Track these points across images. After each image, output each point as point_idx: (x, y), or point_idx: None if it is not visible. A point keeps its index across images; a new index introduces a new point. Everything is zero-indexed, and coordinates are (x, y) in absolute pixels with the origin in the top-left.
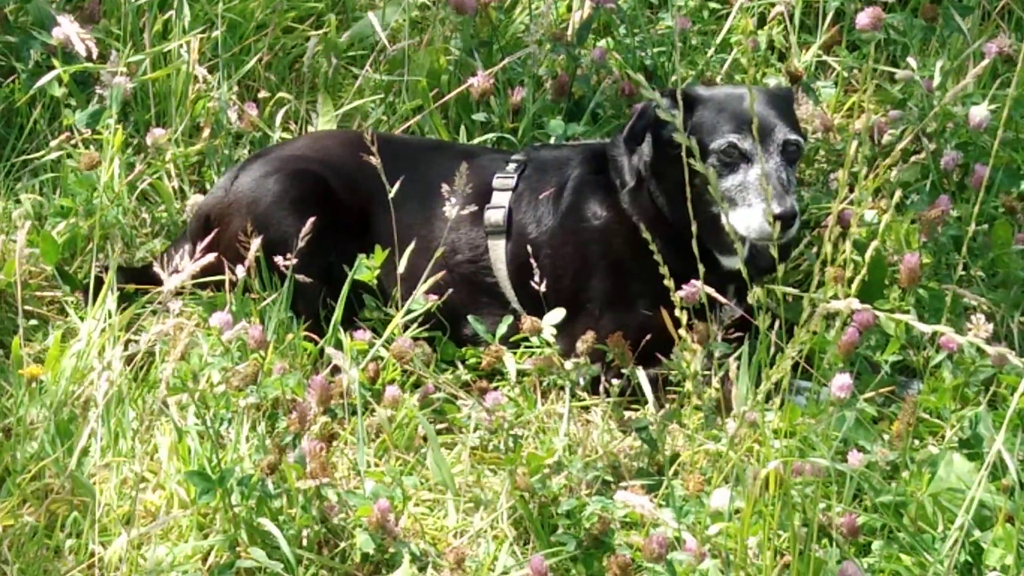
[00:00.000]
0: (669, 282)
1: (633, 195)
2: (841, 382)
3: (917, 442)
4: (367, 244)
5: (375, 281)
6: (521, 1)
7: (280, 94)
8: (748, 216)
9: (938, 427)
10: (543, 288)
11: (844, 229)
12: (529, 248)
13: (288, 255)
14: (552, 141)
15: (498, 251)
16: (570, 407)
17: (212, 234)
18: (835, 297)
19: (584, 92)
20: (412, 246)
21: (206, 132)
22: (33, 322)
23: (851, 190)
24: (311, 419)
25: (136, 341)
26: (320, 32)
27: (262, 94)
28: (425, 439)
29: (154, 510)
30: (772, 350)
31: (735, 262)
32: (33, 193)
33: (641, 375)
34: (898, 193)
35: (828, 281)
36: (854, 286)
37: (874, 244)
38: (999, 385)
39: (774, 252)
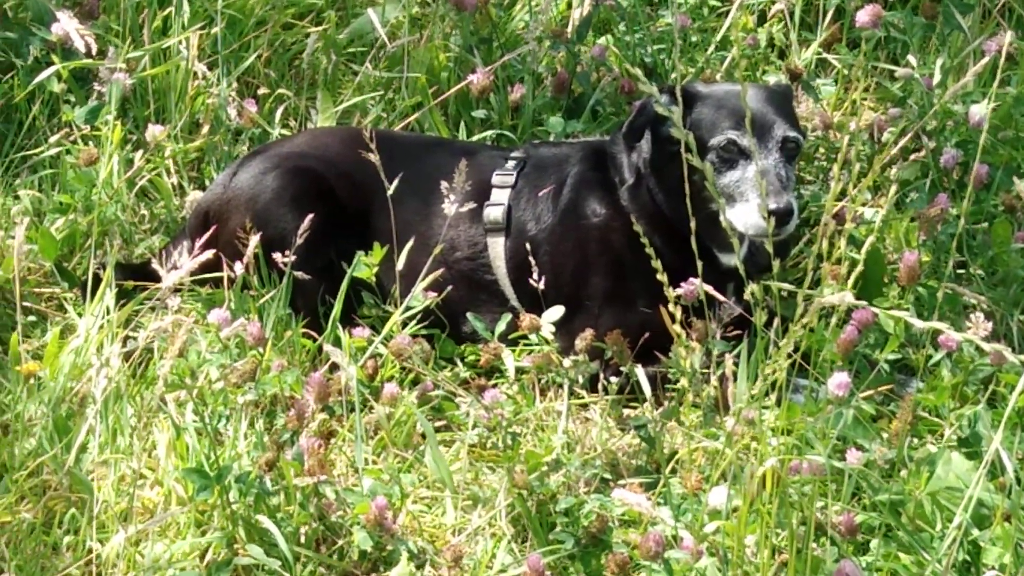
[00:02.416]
0: (662, 276)
1: (632, 192)
2: (839, 380)
3: (916, 440)
4: (366, 241)
5: (374, 278)
6: None
7: (279, 91)
8: (745, 212)
9: (937, 426)
10: (542, 285)
11: (840, 225)
12: (528, 245)
13: (287, 252)
14: (551, 138)
15: (497, 248)
16: (568, 405)
17: (211, 231)
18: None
19: (584, 89)
20: (411, 243)
21: (205, 128)
22: (31, 318)
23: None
24: (309, 416)
25: (134, 338)
26: (320, 29)
27: (261, 91)
28: (423, 436)
29: (152, 507)
30: (770, 347)
31: (734, 259)
32: (32, 189)
33: (640, 373)
34: (893, 188)
35: (824, 277)
36: (850, 281)
37: (870, 240)
38: (998, 384)
39: (770, 248)
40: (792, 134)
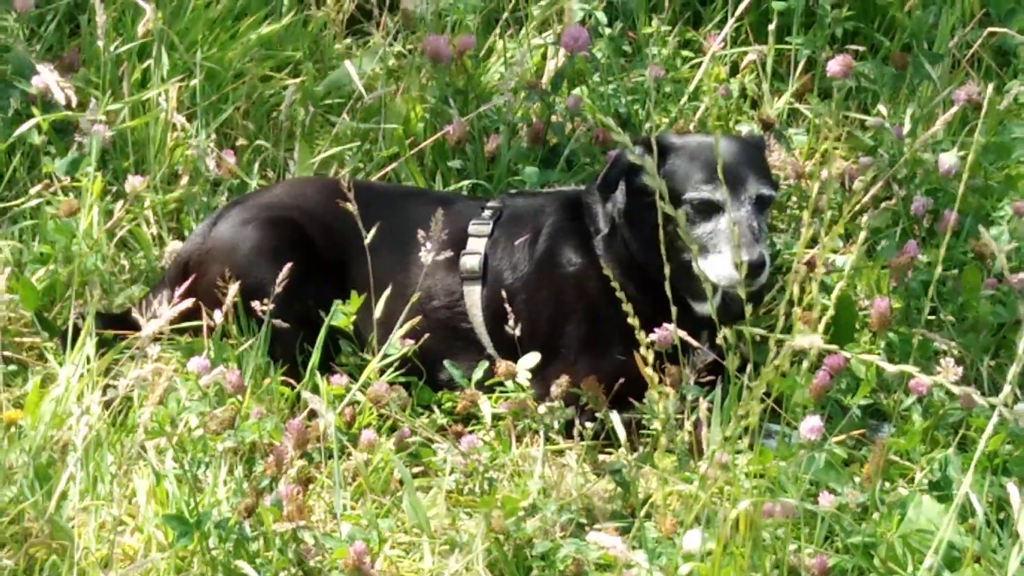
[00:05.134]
0: (634, 320)
1: (607, 242)
2: (811, 424)
3: (887, 484)
4: (344, 290)
5: (351, 327)
6: (496, 50)
7: (258, 142)
8: (718, 263)
9: (908, 469)
10: (518, 333)
11: (810, 270)
12: (504, 294)
13: (265, 301)
14: (527, 188)
15: (473, 297)
16: (544, 450)
17: (190, 280)
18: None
19: (559, 139)
20: (388, 292)
21: (184, 179)
22: (12, 368)
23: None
24: (288, 463)
25: (115, 386)
26: (297, 81)
27: (240, 142)
28: (401, 482)
29: (132, 554)
30: (743, 392)
31: (707, 308)
32: (12, 240)
33: (615, 419)
34: (863, 234)
35: (795, 322)
36: (821, 326)
37: (840, 285)
38: (968, 428)
39: (743, 296)
40: (764, 187)
